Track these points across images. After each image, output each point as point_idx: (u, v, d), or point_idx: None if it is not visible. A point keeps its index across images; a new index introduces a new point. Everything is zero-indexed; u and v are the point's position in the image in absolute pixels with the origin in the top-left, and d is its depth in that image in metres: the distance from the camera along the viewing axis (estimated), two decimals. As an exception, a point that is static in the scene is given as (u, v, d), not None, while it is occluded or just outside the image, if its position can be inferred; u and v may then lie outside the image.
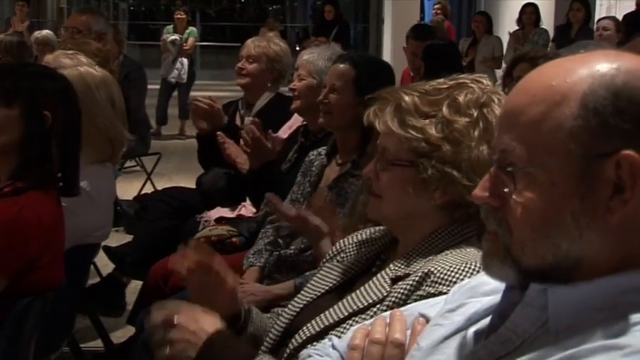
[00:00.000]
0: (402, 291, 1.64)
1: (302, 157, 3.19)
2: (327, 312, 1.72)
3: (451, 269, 1.62)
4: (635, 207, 1.01)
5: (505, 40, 9.50)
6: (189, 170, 6.41)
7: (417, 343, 1.23)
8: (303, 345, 1.66)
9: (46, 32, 7.42)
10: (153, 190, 6.09)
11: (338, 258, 1.89)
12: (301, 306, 1.83)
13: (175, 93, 11.05)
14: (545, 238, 1.05)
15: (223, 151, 3.57)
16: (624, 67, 1.04)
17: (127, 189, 6.37)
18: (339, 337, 1.60)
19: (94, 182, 2.87)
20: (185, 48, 10.90)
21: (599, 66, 1.05)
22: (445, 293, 1.50)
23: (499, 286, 1.16)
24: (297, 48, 12.00)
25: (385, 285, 1.68)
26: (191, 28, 11.39)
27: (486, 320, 1.16)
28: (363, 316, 1.66)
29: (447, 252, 1.69)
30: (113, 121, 2.98)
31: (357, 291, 1.72)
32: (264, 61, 4.14)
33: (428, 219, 1.74)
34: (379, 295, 1.67)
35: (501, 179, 1.09)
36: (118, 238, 4.67)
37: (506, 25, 10.67)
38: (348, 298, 1.72)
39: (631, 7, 9.21)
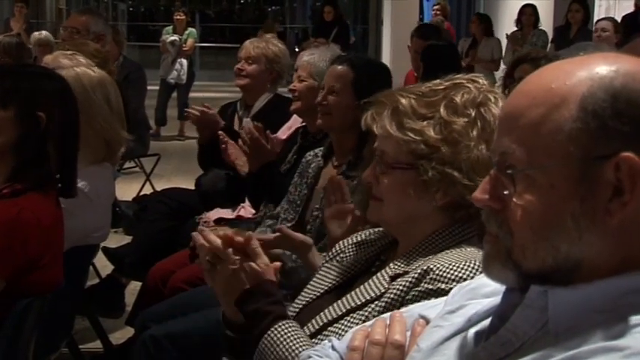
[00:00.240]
0: (400, 287, 1.64)
1: (301, 159, 3.19)
2: (325, 310, 1.72)
3: (450, 267, 1.62)
4: (634, 209, 1.02)
5: (504, 41, 9.50)
6: (188, 171, 6.41)
7: (417, 345, 1.23)
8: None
9: (45, 33, 7.43)
10: (152, 191, 6.10)
11: (337, 258, 1.90)
12: (301, 306, 1.84)
13: (175, 94, 11.05)
14: (545, 241, 1.05)
15: (224, 151, 3.57)
16: (623, 70, 1.05)
17: (126, 190, 6.37)
18: (337, 334, 1.61)
19: (93, 183, 2.87)
20: (184, 49, 10.89)
21: (598, 68, 1.05)
22: (444, 290, 1.51)
23: (499, 287, 1.16)
24: (297, 49, 12.01)
25: (384, 282, 1.69)
26: (190, 29, 11.39)
27: (486, 322, 1.16)
28: (361, 312, 1.66)
29: (447, 251, 1.69)
30: (110, 121, 2.97)
31: (356, 289, 1.73)
32: (263, 62, 4.14)
33: (429, 220, 1.74)
34: (377, 291, 1.67)
35: (501, 182, 1.09)
36: (117, 239, 4.67)
37: (505, 26, 10.67)
38: (347, 296, 1.73)
39: (630, 7, 9.22)
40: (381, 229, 1.89)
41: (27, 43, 7.59)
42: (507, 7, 11.93)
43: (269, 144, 3.29)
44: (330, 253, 1.94)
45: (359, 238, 1.91)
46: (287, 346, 1.58)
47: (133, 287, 4.04)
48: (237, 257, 1.66)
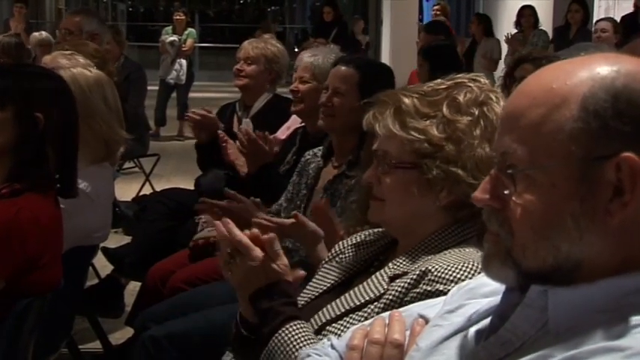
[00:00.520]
0: (399, 289, 1.64)
1: (300, 159, 3.19)
2: (324, 309, 1.73)
3: (449, 268, 1.62)
4: (635, 209, 1.01)
5: (503, 43, 9.49)
6: (187, 171, 6.41)
7: (416, 344, 1.23)
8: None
9: (45, 34, 7.43)
10: (151, 191, 6.10)
11: (337, 259, 1.90)
12: (300, 306, 1.84)
13: (174, 94, 11.05)
14: (546, 240, 1.05)
15: (224, 151, 3.57)
16: (624, 70, 1.05)
17: (126, 190, 6.37)
18: (336, 334, 1.61)
19: (93, 183, 2.87)
20: (184, 49, 10.89)
21: (599, 68, 1.05)
22: (443, 292, 1.51)
23: (499, 287, 1.16)
24: (296, 49, 12.01)
25: (383, 283, 1.69)
26: (190, 29, 11.38)
27: (486, 321, 1.16)
28: (360, 313, 1.67)
29: (447, 252, 1.69)
30: (108, 121, 2.97)
31: (355, 288, 1.73)
32: (262, 62, 4.14)
33: (431, 220, 1.75)
34: (376, 292, 1.68)
35: (502, 181, 1.09)
36: (116, 240, 4.67)
37: (505, 26, 10.67)
38: (346, 295, 1.73)
39: (630, 8, 9.22)
40: (380, 229, 1.89)
41: (26, 43, 7.59)
42: (506, 7, 11.94)
43: (267, 145, 3.28)
44: (329, 254, 1.95)
45: (358, 239, 1.91)
46: (297, 347, 1.58)
47: (133, 287, 4.04)
48: (257, 255, 1.65)
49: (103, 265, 4.28)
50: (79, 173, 2.57)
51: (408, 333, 1.29)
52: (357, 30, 13.46)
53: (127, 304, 3.84)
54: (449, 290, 1.37)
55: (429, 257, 1.70)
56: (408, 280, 1.64)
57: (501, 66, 8.79)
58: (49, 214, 2.38)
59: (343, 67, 3.02)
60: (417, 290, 1.62)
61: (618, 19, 7.95)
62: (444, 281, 1.60)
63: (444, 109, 1.73)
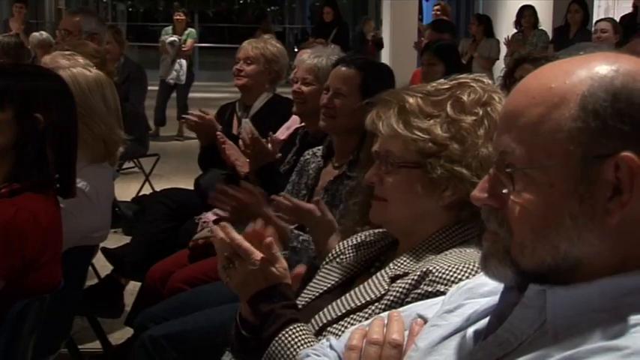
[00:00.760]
0: (400, 289, 1.64)
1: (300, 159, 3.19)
2: (325, 310, 1.72)
3: (450, 268, 1.62)
4: (633, 209, 1.01)
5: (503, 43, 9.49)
6: (187, 171, 6.41)
7: (415, 344, 1.23)
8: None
9: (46, 34, 7.43)
10: (151, 191, 6.10)
11: (338, 260, 1.90)
12: (300, 307, 1.83)
13: (174, 94, 11.05)
14: (544, 239, 1.05)
15: (223, 152, 3.57)
16: (623, 69, 1.05)
17: (126, 190, 6.37)
18: (337, 334, 1.61)
19: (93, 183, 2.87)
20: (184, 49, 10.90)
21: (598, 68, 1.05)
22: (443, 292, 1.51)
23: (497, 287, 1.16)
24: (296, 49, 11.99)
25: (384, 283, 1.69)
26: (190, 30, 11.39)
27: (484, 321, 1.16)
28: (361, 313, 1.66)
29: (448, 252, 1.69)
30: (107, 121, 2.97)
31: (356, 289, 1.73)
32: (261, 62, 4.14)
33: (434, 220, 1.75)
34: (377, 292, 1.67)
35: (500, 180, 1.09)
36: (116, 240, 4.67)
37: (504, 26, 10.67)
38: (347, 295, 1.73)
39: (629, 8, 9.22)
40: (380, 230, 1.89)
41: (26, 43, 7.58)
42: (506, 7, 11.94)
43: (272, 146, 3.28)
44: (329, 255, 1.94)
45: (359, 240, 1.91)
46: (297, 350, 1.58)
47: (132, 287, 4.04)
48: (257, 258, 1.65)
49: (102, 265, 4.28)
50: (78, 173, 2.57)
51: (406, 333, 1.29)
52: (367, 30, 13.40)
53: (127, 304, 3.84)
54: (449, 291, 1.37)
55: (431, 257, 1.70)
56: (409, 281, 1.64)
57: (500, 66, 8.80)
58: (49, 214, 2.38)
59: (344, 68, 3.01)
60: (418, 291, 1.62)
61: (618, 20, 7.95)
62: (445, 282, 1.60)
63: (448, 108, 1.73)
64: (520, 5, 9.57)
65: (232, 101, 4.38)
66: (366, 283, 1.72)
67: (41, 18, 17.19)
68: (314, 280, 1.91)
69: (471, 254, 1.66)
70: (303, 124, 3.63)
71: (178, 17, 11.38)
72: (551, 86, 1.06)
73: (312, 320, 1.72)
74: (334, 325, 1.68)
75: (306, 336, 1.61)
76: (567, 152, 1.03)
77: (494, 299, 1.16)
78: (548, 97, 1.05)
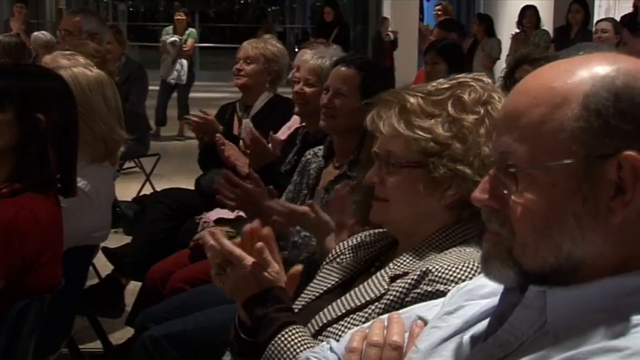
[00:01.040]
0: (399, 289, 1.64)
1: (301, 159, 3.19)
2: (325, 310, 1.72)
3: (449, 268, 1.62)
4: (636, 208, 1.01)
5: (507, 41, 9.49)
6: (188, 171, 6.41)
7: (415, 346, 1.23)
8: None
9: (48, 34, 7.42)
10: (152, 191, 6.10)
11: (337, 260, 1.90)
12: (300, 307, 1.83)
13: (175, 94, 11.06)
14: (547, 240, 1.04)
15: (222, 153, 3.56)
16: (623, 69, 1.05)
17: (126, 190, 6.37)
18: (337, 334, 1.61)
19: (93, 183, 2.87)
20: (184, 49, 10.90)
21: (598, 68, 1.05)
22: (443, 292, 1.51)
23: (497, 288, 1.16)
24: (296, 49, 11.99)
25: (384, 283, 1.68)
26: (190, 30, 11.39)
27: (484, 323, 1.16)
28: (360, 313, 1.66)
29: (447, 251, 1.69)
30: (107, 120, 2.97)
31: (356, 289, 1.73)
32: (261, 62, 4.14)
33: (434, 219, 1.75)
34: (377, 292, 1.67)
35: (501, 181, 1.09)
36: (116, 240, 4.67)
37: (506, 26, 10.67)
38: (347, 295, 1.73)
39: (630, 8, 9.22)
40: (380, 230, 1.89)
41: (27, 43, 7.58)
42: (507, 7, 11.94)
43: (274, 147, 3.28)
44: (329, 256, 1.94)
45: (358, 240, 1.91)
46: (294, 353, 1.58)
47: (133, 287, 4.04)
48: (248, 264, 1.65)
49: (103, 265, 4.28)
50: (79, 172, 2.57)
51: (407, 335, 1.28)
52: (383, 30, 13.32)
53: (127, 304, 3.84)
54: (449, 290, 1.37)
55: (431, 257, 1.69)
56: (409, 281, 1.64)
57: (501, 65, 8.79)
58: (49, 213, 2.38)
59: (344, 68, 3.01)
60: (418, 290, 1.61)
61: (618, 20, 7.95)
62: (444, 281, 1.60)
63: (449, 108, 1.73)
64: (521, 5, 9.57)
65: (233, 101, 4.38)
66: (365, 283, 1.72)
67: (42, 18, 17.18)
68: (314, 281, 1.90)
69: (471, 253, 1.66)
70: (303, 124, 3.62)
71: (179, 17, 11.38)
72: (552, 86, 1.06)
73: (312, 320, 1.72)
74: (334, 325, 1.68)
75: (303, 338, 1.61)
76: (570, 152, 1.03)
77: (494, 301, 1.16)
78: (550, 97, 1.05)
